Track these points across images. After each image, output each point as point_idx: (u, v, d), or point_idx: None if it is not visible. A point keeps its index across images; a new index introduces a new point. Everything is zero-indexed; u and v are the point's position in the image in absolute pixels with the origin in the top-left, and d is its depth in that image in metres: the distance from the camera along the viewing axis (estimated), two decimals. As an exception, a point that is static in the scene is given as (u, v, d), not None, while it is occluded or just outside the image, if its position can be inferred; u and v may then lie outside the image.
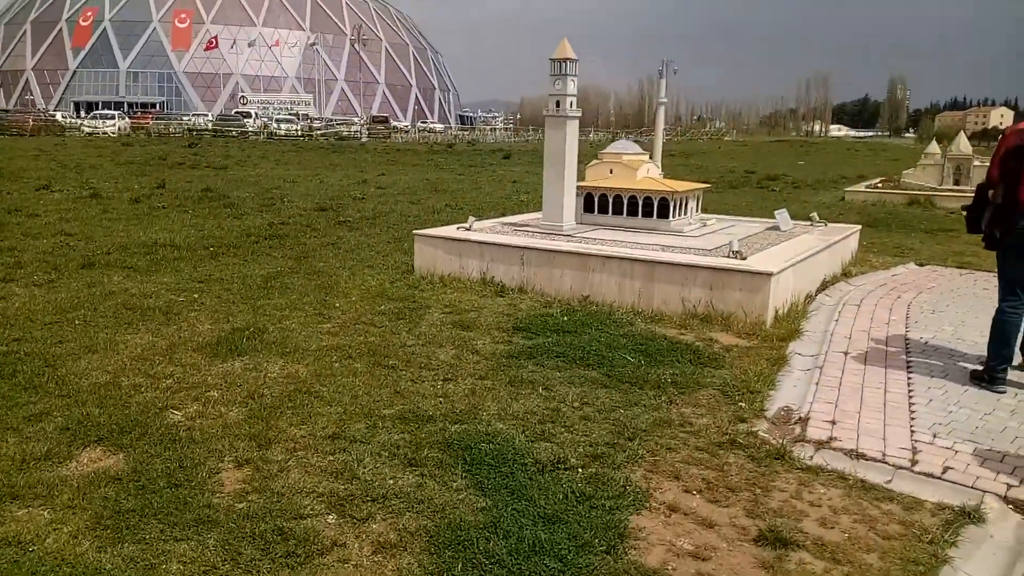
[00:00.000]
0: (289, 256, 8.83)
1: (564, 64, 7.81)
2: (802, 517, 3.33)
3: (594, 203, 8.63)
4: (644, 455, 3.85)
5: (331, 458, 3.68)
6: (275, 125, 48.83)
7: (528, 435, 4.02)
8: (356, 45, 65.89)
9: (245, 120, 50.59)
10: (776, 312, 6.35)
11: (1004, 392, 4.80)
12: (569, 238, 7.66)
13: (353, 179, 20.03)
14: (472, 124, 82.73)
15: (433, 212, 13.32)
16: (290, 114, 58.73)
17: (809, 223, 9.19)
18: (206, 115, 57.63)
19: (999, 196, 4.80)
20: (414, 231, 8.15)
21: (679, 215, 8.35)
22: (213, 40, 74.75)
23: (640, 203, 8.32)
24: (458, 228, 8.21)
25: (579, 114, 7.98)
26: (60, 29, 77.87)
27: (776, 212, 9.00)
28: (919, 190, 17.82)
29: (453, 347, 5.50)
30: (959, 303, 7.27)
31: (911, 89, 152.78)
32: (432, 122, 76.02)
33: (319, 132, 48.55)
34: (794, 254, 7.05)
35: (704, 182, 11.71)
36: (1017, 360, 5.06)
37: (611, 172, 8.92)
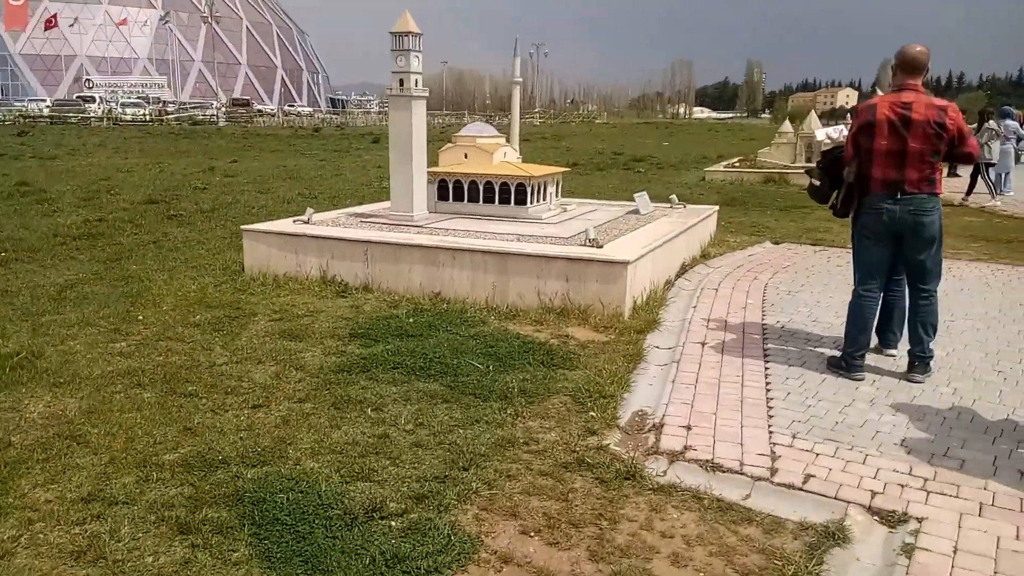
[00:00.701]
0: (98, 259, 7.66)
1: (406, 38, 7.11)
2: (652, 554, 2.88)
3: (448, 190, 8.01)
4: (479, 488, 3.29)
5: (77, 530, 2.88)
6: (120, 110, 45.13)
7: (344, 474, 3.37)
8: (209, 20, 61.56)
9: (87, 105, 46.58)
10: (634, 302, 5.99)
11: (862, 379, 4.61)
12: (419, 229, 7.02)
13: (199, 167, 18.42)
14: (344, 107, 79.85)
15: (284, 202, 12.28)
16: (139, 98, 54.50)
17: (668, 205, 8.98)
18: (43, 100, 52.62)
19: (851, 174, 4.60)
20: (242, 226, 7.24)
21: (537, 201, 7.88)
22: (52, 19, 68.05)
23: (497, 189, 7.78)
24: (295, 221, 7.37)
25: (426, 93, 7.32)
26: None
27: (635, 195, 8.71)
28: (773, 168, 18.38)
29: (274, 363, 4.75)
30: (813, 282, 7.21)
31: (767, 72, 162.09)
32: (300, 105, 72.88)
33: (171, 117, 45.27)
34: (652, 240, 6.73)
35: (573, 164, 11.32)
36: (873, 343, 4.91)
37: (466, 156, 8.34)
